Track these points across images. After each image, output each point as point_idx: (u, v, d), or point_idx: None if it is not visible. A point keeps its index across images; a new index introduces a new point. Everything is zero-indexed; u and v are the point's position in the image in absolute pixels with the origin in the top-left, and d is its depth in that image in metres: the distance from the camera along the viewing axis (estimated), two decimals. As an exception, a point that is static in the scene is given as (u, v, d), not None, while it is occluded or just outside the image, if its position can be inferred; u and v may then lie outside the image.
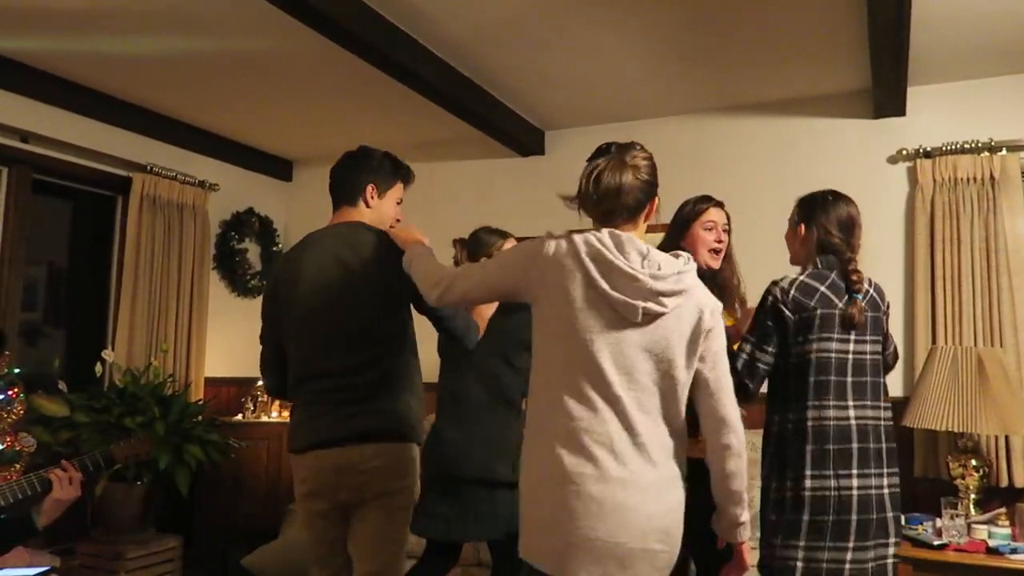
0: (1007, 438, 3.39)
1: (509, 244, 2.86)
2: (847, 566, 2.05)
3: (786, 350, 2.19)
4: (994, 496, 3.38)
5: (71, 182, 4.26)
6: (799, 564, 2.06)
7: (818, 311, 2.15)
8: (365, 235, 2.36)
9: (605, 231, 1.76)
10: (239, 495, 4.42)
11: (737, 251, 3.98)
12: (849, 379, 2.15)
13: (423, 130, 4.68)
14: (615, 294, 1.70)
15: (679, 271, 1.75)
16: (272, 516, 4.34)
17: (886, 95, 3.64)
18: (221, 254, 5.00)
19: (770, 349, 2.19)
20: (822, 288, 2.18)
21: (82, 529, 3.83)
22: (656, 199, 1.87)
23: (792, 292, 2.18)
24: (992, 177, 3.55)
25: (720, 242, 2.56)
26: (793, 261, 2.39)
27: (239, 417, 4.68)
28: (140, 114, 4.38)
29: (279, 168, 5.41)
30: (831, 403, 2.12)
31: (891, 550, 2.13)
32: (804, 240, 2.32)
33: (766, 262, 3.90)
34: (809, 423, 2.11)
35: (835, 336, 2.16)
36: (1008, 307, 3.45)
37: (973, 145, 3.60)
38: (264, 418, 4.68)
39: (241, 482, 4.41)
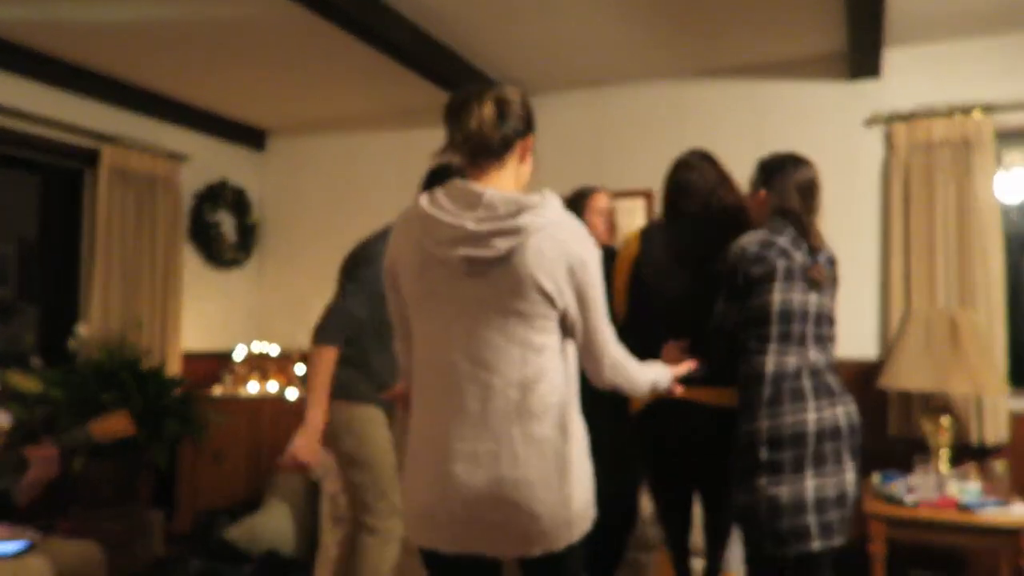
0: (978, 397, 3.46)
1: (601, 198, 2.99)
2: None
3: (747, 302, 2.27)
4: (965, 454, 3.46)
5: (37, 155, 4.16)
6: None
7: (778, 263, 2.23)
8: None
9: (440, 190, 1.64)
10: (220, 469, 4.42)
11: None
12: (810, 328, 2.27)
13: (399, 98, 4.62)
14: (436, 249, 1.58)
15: (519, 209, 1.56)
16: (254, 489, 4.34)
17: (862, 56, 3.64)
18: (195, 226, 4.93)
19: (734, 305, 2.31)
20: (779, 241, 2.26)
21: (62, 505, 3.81)
22: (530, 138, 1.74)
23: (749, 250, 2.26)
24: (966, 140, 3.57)
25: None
26: (755, 223, 2.42)
27: (217, 391, 4.66)
28: (108, 84, 4.28)
29: (252, 138, 5.32)
30: (793, 349, 2.23)
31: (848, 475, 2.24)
32: (763, 203, 2.37)
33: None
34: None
35: (796, 288, 2.25)
36: (981, 269, 3.50)
37: (948, 108, 3.61)
38: (243, 391, 4.65)
39: (222, 455, 4.40)
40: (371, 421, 2.70)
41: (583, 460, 1.65)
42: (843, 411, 2.24)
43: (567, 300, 1.60)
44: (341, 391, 2.67)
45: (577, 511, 1.61)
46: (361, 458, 2.67)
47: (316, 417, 2.54)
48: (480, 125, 1.63)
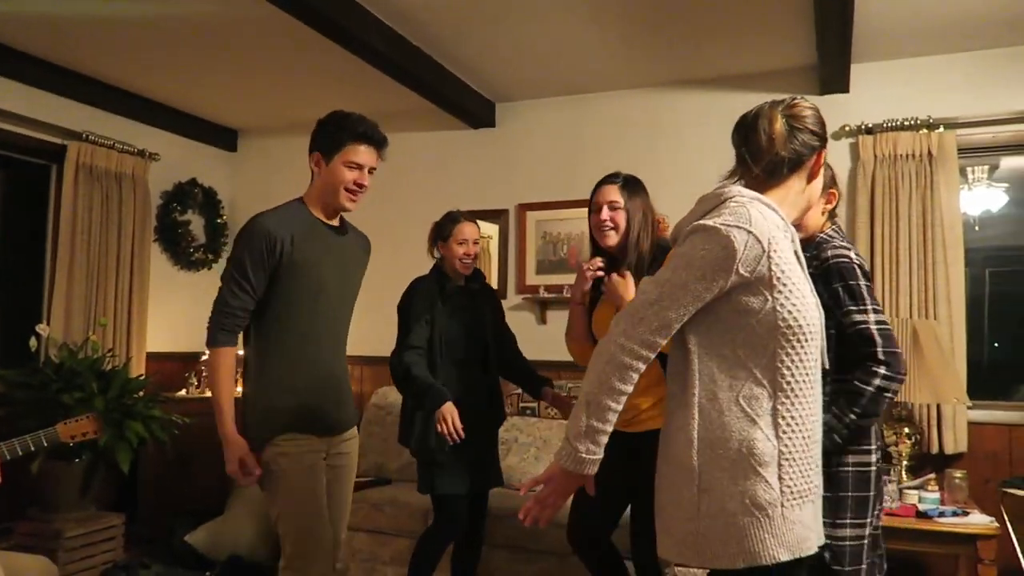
0: (938, 407, 3.52)
1: (465, 228, 3.02)
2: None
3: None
4: (925, 463, 3.52)
5: (2, 151, 4.08)
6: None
7: None
8: None
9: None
10: (184, 471, 4.35)
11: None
12: None
13: (373, 101, 4.59)
14: None
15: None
16: (218, 492, 4.28)
17: (831, 72, 3.71)
18: (163, 226, 4.86)
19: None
20: None
21: (20, 508, 3.72)
22: (820, 154, 1.66)
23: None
24: (930, 153, 3.65)
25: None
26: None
27: (183, 392, 4.59)
28: (76, 80, 4.22)
29: (223, 138, 5.27)
30: None
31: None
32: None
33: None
34: None
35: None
36: (943, 280, 3.57)
37: (912, 122, 3.69)
38: (208, 393, 4.59)
39: (186, 458, 4.33)
40: None
41: None
42: None
43: None
44: None
45: None
46: None
47: None
48: (768, 142, 1.62)
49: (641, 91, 4.34)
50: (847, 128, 3.86)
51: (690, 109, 4.22)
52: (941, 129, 3.66)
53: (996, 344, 4.10)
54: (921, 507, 3.00)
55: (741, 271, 1.44)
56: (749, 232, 1.45)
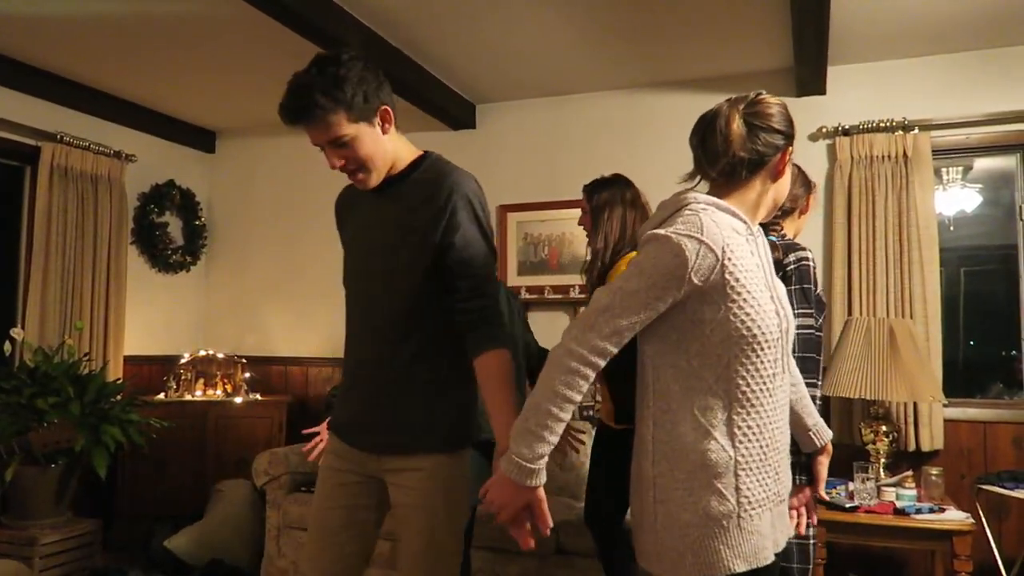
0: (915, 405, 3.56)
1: None
2: None
3: None
4: (902, 460, 3.56)
5: (-26, 151, 4.03)
6: None
7: None
8: None
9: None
10: (162, 476, 4.31)
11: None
12: None
13: (351, 102, 4.58)
14: None
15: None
16: (196, 497, 4.24)
17: (808, 73, 3.74)
18: (140, 228, 4.82)
19: None
20: None
21: (-7, 515, 3.67)
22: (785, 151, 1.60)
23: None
24: (905, 155, 3.69)
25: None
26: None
27: (161, 396, 4.55)
28: (50, 80, 4.16)
29: (201, 139, 5.22)
30: None
31: None
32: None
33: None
34: None
35: None
36: (918, 280, 3.61)
37: (888, 124, 3.73)
38: (188, 397, 4.55)
39: (164, 463, 4.29)
40: None
41: None
42: None
43: None
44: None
45: None
46: None
47: None
48: (725, 143, 1.51)
49: (620, 92, 4.35)
50: (824, 130, 3.90)
51: (669, 110, 4.24)
52: (916, 131, 3.70)
53: (971, 343, 4.16)
54: (899, 504, 3.03)
55: (694, 280, 1.41)
56: (701, 241, 1.41)
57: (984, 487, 3.21)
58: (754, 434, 1.46)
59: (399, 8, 3.34)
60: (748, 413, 1.46)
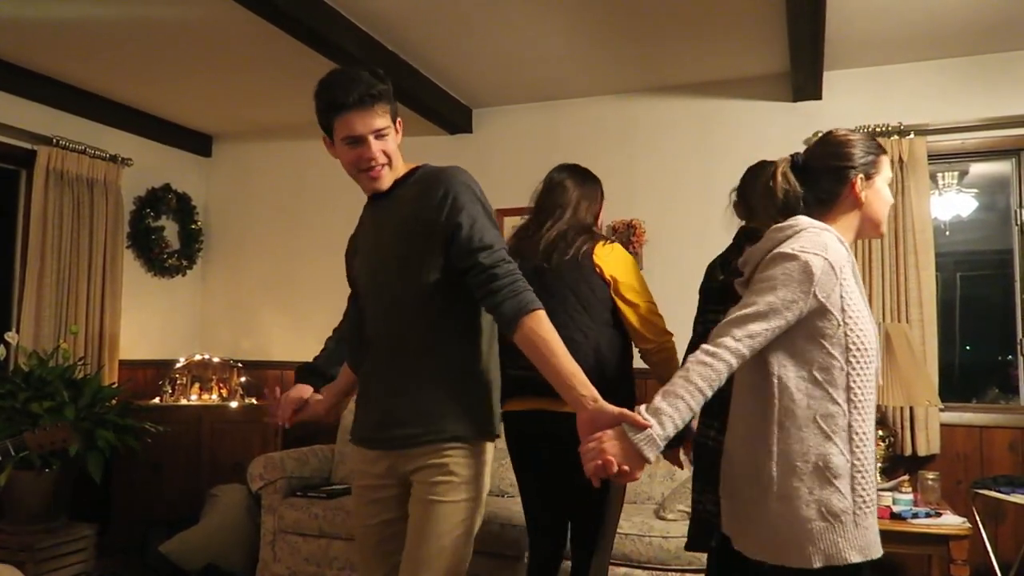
0: (911, 409, 3.57)
1: None
2: None
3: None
4: (899, 464, 3.56)
5: (-31, 155, 4.02)
6: None
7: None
8: None
9: None
10: (158, 481, 4.29)
11: (660, 227, 4.06)
12: None
13: (348, 106, 4.58)
14: None
15: None
16: (192, 501, 4.23)
17: (804, 79, 3.75)
18: (136, 232, 4.80)
19: None
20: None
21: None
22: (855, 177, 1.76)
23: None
24: (901, 160, 3.70)
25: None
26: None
27: (156, 401, 4.53)
28: (46, 84, 4.16)
29: (197, 143, 5.22)
30: None
31: None
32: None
33: (685, 238, 4.00)
34: None
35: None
36: (914, 284, 3.62)
37: (884, 129, 3.74)
38: (183, 401, 4.54)
39: (160, 467, 4.28)
40: None
41: None
42: None
43: None
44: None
45: None
46: None
47: None
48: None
49: (617, 97, 4.36)
50: (819, 135, 3.90)
51: (664, 115, 4.25)
52: (912, 136, 3.71)
53: (967, 347, 4.17)
54: (895, 509, 3.03)
55: (817, 295, 1.58)
56: (824, 258, 1.59)
57: (981, 491, 3.22)
58: (867, 439, 1.64)
59: (395, 12, 3.35)
60: (863, 420, 1.63)
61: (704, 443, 2.30)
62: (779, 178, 1.76)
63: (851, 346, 1.60)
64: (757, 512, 1.65)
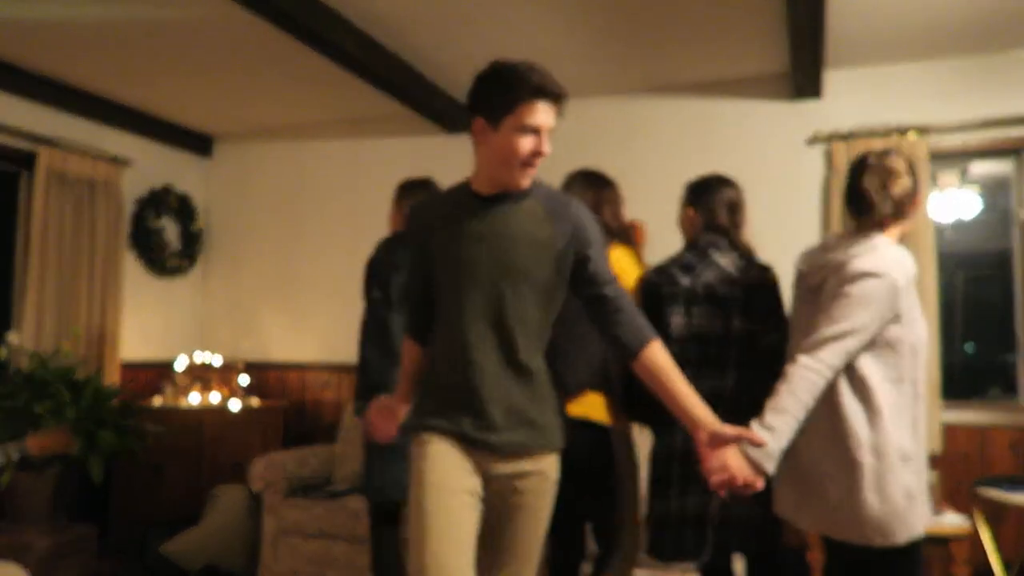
0: (913, 409, 3.56)
1: None
2: None
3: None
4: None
5: (-30, 156, 4.02)
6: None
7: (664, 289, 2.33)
8: None
9: None
10: (158, 481, 4.29)
11: (660, 228, 4.06)
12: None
13: (349, 106, 4.59)
14: None
15: None
16: (192, 502, 4.23)
17: (804, 78, 3.74)
18: (137, 233, 4.80)
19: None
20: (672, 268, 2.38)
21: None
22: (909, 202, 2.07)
23: (651, 275, 2.41)
24: (902, 160, 3.69)
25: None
26: (686, 239, 2.53)
27: (157, 401, 4.53)
28: (47, 85, 4.16)
29: (198, 143, 5.22)
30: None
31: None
32: (692, 220, 2.48)
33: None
34: None
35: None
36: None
37: (885, 128, 3.73)
38: (184, 402, 4.54)
39: (160, 468, 4.28)
40: None
41: None
42: None
43: None
44: None
45: None
46: None
47: None
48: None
49: (617, 97, 4.35)
50: (820, 134, 3.90)
51: (664, 115, 4.24)
52: (912, 136, 3.70)
53: (968, 347, 4.17)
54: (896, 509, 3.02)
55: (896, 306, 1.87)
56: (899, 274, 1.89)
57: (982, 490, 3.21)
58: (923, 428, 1.94)
59: (394, 12, 3.35)
60: (921, 411, 1.94)
61: (669, 448, 2.30)
62: None
63: (916, 345, 1.92)
64: (847, 499, 1.88)
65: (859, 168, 2.04)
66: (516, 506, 1.87)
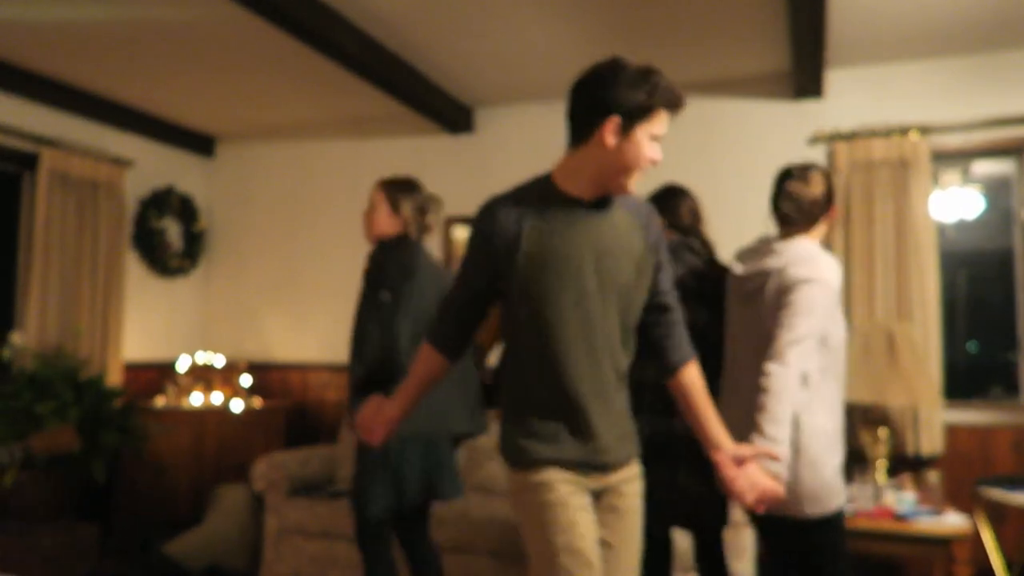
0: (914, 409, 3.55)
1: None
2: None
3: None
4: (901, 465, 3.55)
5: (-27, 157, 4.03)
6: None
7: None
8: None
9: None
10: (160, 481, 4.30)
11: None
12: None
13: (350, 106, 4.59)
14: None
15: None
16: (195, 502, 4.24)
17: (805, 77, 3.74)
18: (139, 233, 4.82)
19: None
20: None
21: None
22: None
23: None
24: (903, 160, 3.69)
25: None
26: None
27: (160, 401, 4.55)
28: (49, 85, 4.17)
29: (200, 144, 5.23)
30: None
31: None
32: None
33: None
34: None
35: None
36: (917, 284, 3.61)
37: (886, 128, 3.73)
38: (186, 402, 4.55)
39: (163, 468, 4.29)
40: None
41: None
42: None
43: None
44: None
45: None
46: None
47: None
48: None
49: (619, 97, 4.35)
50: (821, 134, 3.90)
51: (667, 115, 4.24)
52: (914, 136, 3.70)
53: (970, 346, 4.16)
54: (897, 509, 3.02)
55: (832, 307, 2.11)
56: (833, 279, 2.12)
57: (984, 490, 3.20)
58: (840, 410, 2.18)
59: (395, 12, 3.35)
60: (840, 396, 2.18)
61: (670, 432, 2.40)
62: None
63: (843, 341, 2.18)
64: (796, 476, 2.08)
65: (781, 180, 2.25)
66: (624, 510, 1.84)
